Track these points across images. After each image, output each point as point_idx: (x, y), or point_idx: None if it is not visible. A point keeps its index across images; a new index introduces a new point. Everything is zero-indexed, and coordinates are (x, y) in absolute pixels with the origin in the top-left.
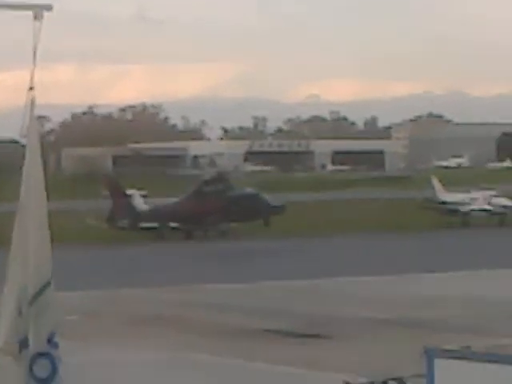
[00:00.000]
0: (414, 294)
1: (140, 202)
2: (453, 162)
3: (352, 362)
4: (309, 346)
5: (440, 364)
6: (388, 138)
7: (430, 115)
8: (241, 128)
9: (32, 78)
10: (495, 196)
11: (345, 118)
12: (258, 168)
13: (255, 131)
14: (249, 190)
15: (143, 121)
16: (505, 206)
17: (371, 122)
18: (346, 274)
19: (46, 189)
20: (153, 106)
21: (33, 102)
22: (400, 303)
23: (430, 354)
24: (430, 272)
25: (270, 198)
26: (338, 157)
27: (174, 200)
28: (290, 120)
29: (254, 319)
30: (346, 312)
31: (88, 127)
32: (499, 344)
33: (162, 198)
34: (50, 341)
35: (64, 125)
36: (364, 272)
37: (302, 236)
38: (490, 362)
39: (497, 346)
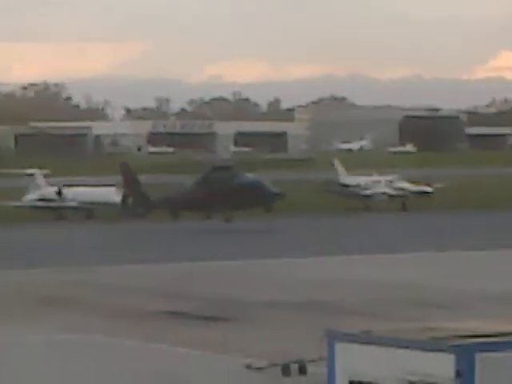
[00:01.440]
0: (316, 277)
1: (42, 182)
2: (355, 145)
3: (253, 345)
4: (210, 328)
5: (341, 347)
6: (291, 120)
7: (333, 97)
8: (144, 108)
9: None
10: (397, 180)
11: (247, 100)
12: (160, 149)
13: (158, 112)
14: (252, 177)
15: (45, 99)
16: (406, 190)
17: (274, 104)
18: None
19: None
20: (55, 85)
21: None
22: (301, 286)
23: (331, 338)
24: (331, 255)
25: (271, 185)
26: (241, 138)
27: (77, 179)
28: (192, 101)
29: (156, 301)
30: (246, 294)
31: None
32: (399, 328)
33: (64, 178)
34: None
35: None
36: (264, 254)
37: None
38: (390, 345)
39: (397, 330)
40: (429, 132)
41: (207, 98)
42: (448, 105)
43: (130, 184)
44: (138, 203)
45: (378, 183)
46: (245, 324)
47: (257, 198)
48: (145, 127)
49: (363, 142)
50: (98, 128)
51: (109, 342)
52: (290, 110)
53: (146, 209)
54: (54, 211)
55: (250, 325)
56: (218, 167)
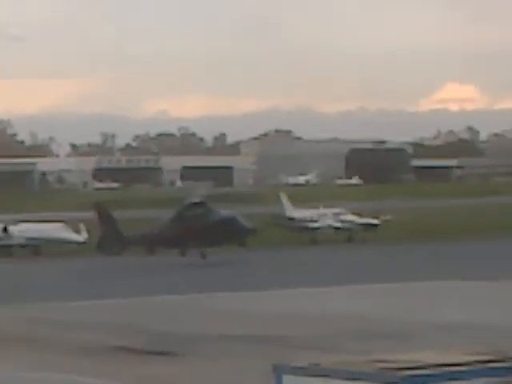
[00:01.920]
0: (265, 310)
1: None
2: (301, 179)
3: (202, 380)
4: (159, 363)
5: (288, 380)
6: (237, 154)
7: (279, 131)
8: (89, 144)
9: None
10: (343, 213)
11: (193, 134)
12: (105, 185)
13: (104, 147)
14: (227, 213)
15: None
16: (352, 223)
17: (220, 138)
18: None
19: None
20: (0, 122)
21: None
22: (250, 320)
23: (279, 371)
24: (281, 289)
25: (244, 220)
26: (187, 173)
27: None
28: (138, 136)
29: (105, 336)
30: (198, 328)
31: None
32: (347, 360)
33: (10, 215)
34: None
35: None
36: (212, 288)
37: None
38: (338, 378)
39: (345, 363)
40: (375, 164)
41: (153, 134)
42: (394, 137)
43: (105, 222)
44: (113, 241)
45: (324, 216)
46: (195, 358)
47: (232, 234)
48: (90, 163)
49: (310, 176)
50: (44, 164)
51: (61, 379)
52: (236, 144)
53: (121, 246)
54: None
55: (199, 359)
56: (192, 204)
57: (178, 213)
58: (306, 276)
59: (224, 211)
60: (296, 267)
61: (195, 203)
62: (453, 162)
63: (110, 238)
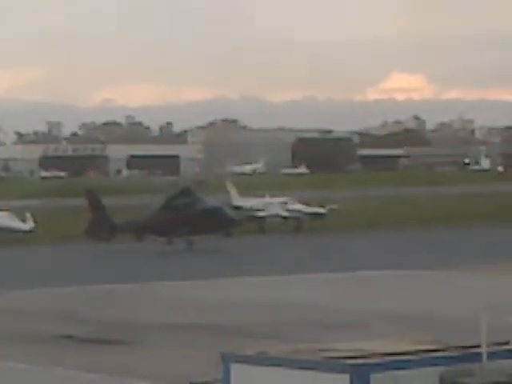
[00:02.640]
0: (213, 299)
1: None
2: (248, 168)
3: (152, 368)
4: (108, 351)
5: (237, 369)
6: (184, 143)
7: (225, 120)
8: (35, 132)
9: None
10: (290, 202)
11: (140, 123)
12: (52, 173)
13: (50, 136)
14: (214, 203)
15: None
16: (300, 212)
17: (167, 127)
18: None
19: None
20: None
21: None
22: (199, 308)
23: (226, 359)
24: (228, 277)
25: (230, 212)
26: (134, 162)
27: None
28: (84, 125)
29: (50, 325)
30: (147, 317)
31: None
32: (296, 349)
33: None
34: None
35: None
36: (163, 276)
37: None
38: (286, 367)
39: (293, 351)
40: (321, 154)
41: (99, 122)
42: (340, 126)
43: (95, 209)
44: (102, 227)
45: (271, 205)
46: (143, 347)
47: (218, 224)
48: (36, 151)
49: (256, 165)
50: None
51: (4, 367)
52: (183, 133)
53: (111, 233)
54: None
55: (148, 348)
56: (180, 192)
57: (165, 201)
58: (255, 265)
59: (211, 201)
60: (245, 256)
61: (183, 192)
62: (399, 152)
63: (100, 224)
